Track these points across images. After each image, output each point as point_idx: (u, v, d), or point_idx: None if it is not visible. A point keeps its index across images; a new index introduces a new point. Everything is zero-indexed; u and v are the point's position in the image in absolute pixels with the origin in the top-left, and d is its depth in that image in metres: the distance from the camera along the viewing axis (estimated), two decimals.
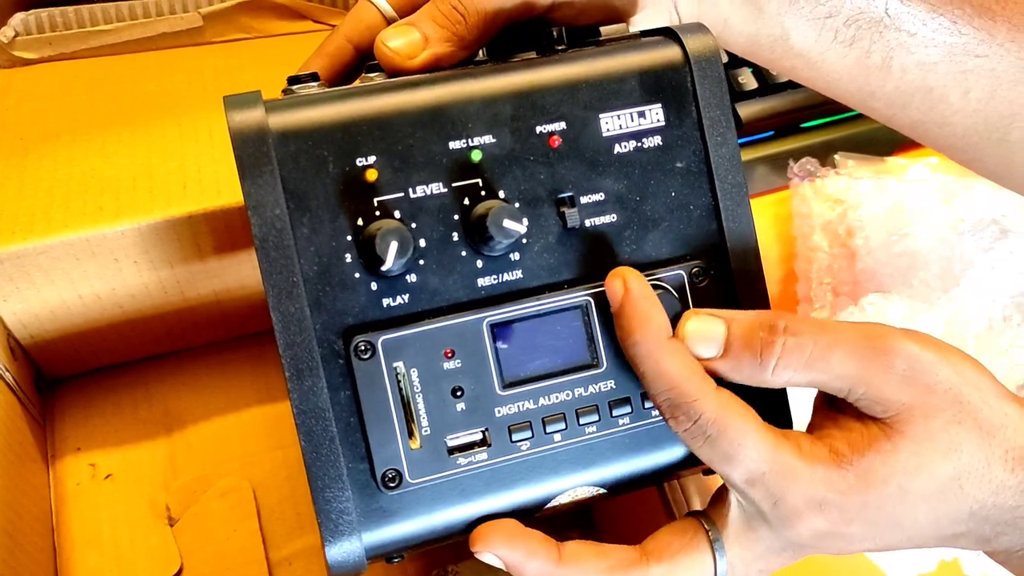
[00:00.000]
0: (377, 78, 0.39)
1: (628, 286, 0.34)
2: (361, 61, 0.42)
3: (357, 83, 0.39)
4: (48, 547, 0.51)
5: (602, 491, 0.37)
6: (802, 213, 0.65)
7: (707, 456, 0.33)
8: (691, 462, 0.38)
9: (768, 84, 0.70)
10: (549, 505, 0.37)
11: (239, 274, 0.54)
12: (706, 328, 0.34)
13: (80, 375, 0.58)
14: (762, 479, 0.32)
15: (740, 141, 0.70)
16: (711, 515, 0.36)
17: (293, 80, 0.38)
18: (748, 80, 0.70)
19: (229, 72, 0.64)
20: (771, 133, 0.71)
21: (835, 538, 0.33)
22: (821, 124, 0.71)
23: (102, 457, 0.55)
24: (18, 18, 0.64)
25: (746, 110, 0.69)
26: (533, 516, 0.37)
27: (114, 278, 0.51)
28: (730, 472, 0.33)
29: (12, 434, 0.50)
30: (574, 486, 0.36)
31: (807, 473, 0.32)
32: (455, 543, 0.37)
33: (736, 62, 0.71)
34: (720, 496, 0.36)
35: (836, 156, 0.69)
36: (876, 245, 0.60)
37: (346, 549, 0.34)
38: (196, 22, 0.66)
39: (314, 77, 0.38)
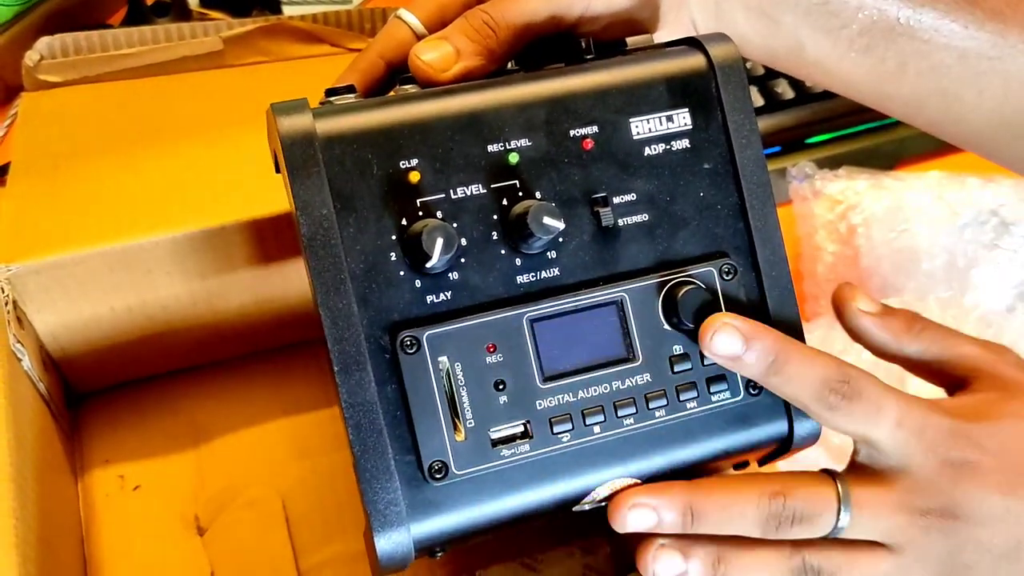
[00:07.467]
0: (411, 89, 0.40)
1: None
2: (392, 76, 0.44)
3: (393, 94, 0.41)
4: (79, 557, 0.52)
5: (639, 484, 0.38)
6: (803, 214, 0.67)
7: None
8: (725, 455, 0.39)
9: (775, 101, 0.72)
10: (588, 498, 0.38)
11: (268, 287, 0.55)
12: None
13: (107, 389, 0.58)
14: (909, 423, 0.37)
15: None
16: (842, 474, 0.38)
17: (331, 92, 0.40)
18: (755, 97, 0.72)
19: (250, 94, 0.65)
20: (778, 148, 0.72)
21: (974, 473, 0.36)
22: (826, 140, 0.73)
23: (130, 469, 0.56)
24: (43, 42, 0.65)
25: None
26: (571, 510, 0.38)
27: (146, 290, 0.52)
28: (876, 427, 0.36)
29: (45, 446, 0.50)
30: (612, 477, 0.37)
31: (939, 410, 0.37)
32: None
33: None
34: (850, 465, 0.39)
35: (841, 170, 0.71)
36: (877, 242, 0.62)
37: (395, 540, 0.35)
38: (216, 46, 0.68)
39: (351, 89, 0.40)
